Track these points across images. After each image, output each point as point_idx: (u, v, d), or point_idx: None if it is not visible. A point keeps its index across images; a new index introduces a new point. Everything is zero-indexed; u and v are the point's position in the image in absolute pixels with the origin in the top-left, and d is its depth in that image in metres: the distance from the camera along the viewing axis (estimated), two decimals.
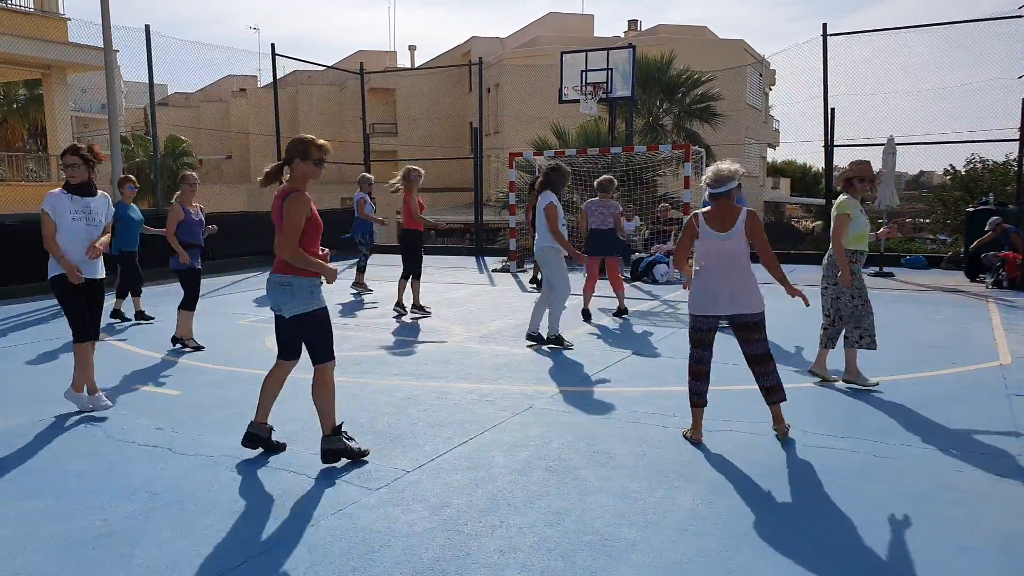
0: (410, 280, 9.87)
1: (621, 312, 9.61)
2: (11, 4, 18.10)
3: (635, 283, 13.19)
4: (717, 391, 6.05)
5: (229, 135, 41.68)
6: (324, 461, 4.41)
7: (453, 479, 4.26)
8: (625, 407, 5.65)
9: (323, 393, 4.46)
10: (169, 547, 3.47)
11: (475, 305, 10.89)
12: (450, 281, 13.65)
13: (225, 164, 41.05)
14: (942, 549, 3.42)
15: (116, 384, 6.42)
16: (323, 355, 4.43)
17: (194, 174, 7.94)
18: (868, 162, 6.31)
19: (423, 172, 9.70)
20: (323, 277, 4.36)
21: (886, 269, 14.58)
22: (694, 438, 4.83)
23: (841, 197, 6.08)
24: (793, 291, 4.81)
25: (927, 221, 34.83)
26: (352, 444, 4.50)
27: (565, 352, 7.56)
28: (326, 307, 4.45)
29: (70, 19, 18.71)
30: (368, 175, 12.66)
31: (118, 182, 9.64)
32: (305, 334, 4.42)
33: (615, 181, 9.91)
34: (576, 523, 3.69)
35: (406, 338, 8.45)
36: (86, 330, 5.52)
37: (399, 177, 9.65)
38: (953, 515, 3.77)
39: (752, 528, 3.63)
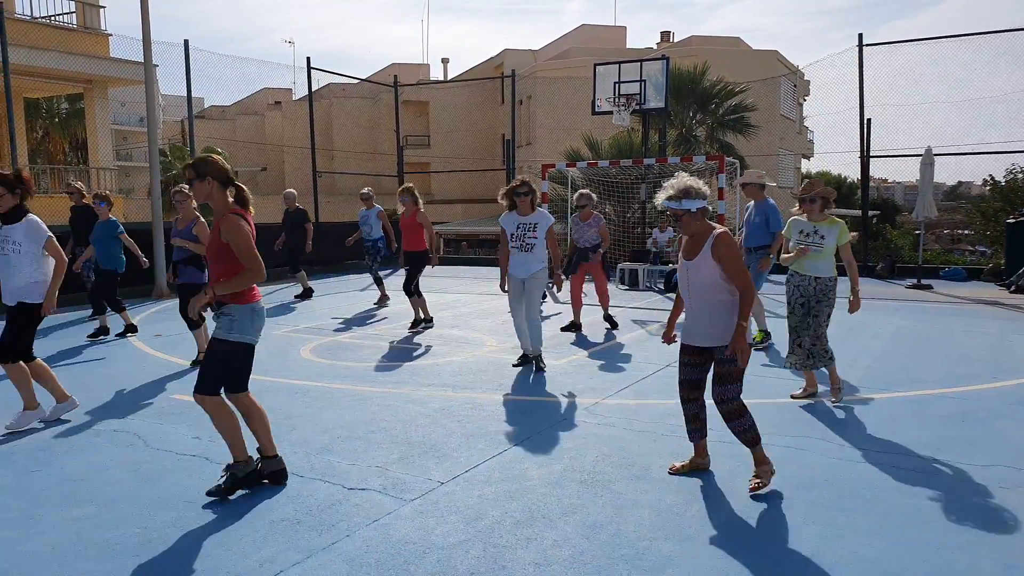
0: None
1: (574, 327, 9.45)
2: (56, 21, 18.56)
3: (669, 294, 13.12)
4: (751, 403, 5.98)
5: (264, 147, 42.28)
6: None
7: (487, 491, 4.25)
8: (660, 419, 5.61)
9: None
10: (206, 556, 3.50)
11: (507, 316, 10.87)
12: (482, 292, 13.67)
13: (260, 175, 41.58)
14: (987, 566, 3.34)
15: (154, 393, 6.51)
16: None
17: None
18: (809, 181, 6.16)
19: None
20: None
21: (924, 281, 14.33)
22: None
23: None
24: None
25: (966, 232, 34.15)
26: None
27: (599, 365, 7.53)
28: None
29: (112, 35, 19.12)
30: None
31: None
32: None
33: (591, 196, 9.38)
34: (612, 537, 3.66)
35: (439, 349, 8.46)
36: None
37: (413, 195, 9.70)
38: (998, 532, 3.68)
39: (791, 543, 3.57)
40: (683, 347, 4.45)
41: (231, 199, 4.22)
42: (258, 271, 4.12)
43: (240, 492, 4.22)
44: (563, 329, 9.47)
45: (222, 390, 4.20)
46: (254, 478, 4.27)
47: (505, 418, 5.67)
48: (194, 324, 7.55)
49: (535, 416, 5.72)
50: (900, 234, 20.32)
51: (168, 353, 8.21)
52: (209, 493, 4.16)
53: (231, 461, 4.25)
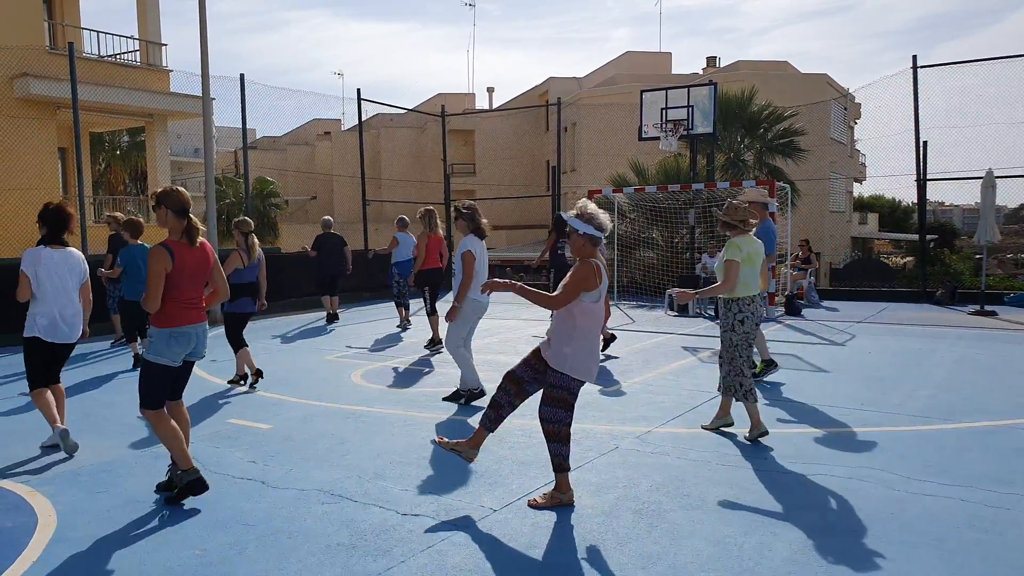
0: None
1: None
2: (121, 59, 19.32)
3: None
4: (810, 433, 5.85)
5: (314, 176, 43.14)
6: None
7: (540, 519, 4.22)
8: (714, 448, 5.51)
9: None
10: None
11: None
12: (529, 317, 13.65)
13: (310, 204, 42.42)
14: None
15: (211, 417, 6.63)
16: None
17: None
18: (737, 205, 5.89)
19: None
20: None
21: (988, 307, 13.89)
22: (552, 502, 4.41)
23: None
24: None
25: None
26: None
27: (648, 393, 7.45)
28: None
29: (172, 70, 19.83)
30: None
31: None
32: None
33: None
34: (668, 568, 3.59)
35: (488, 375, 8.44)
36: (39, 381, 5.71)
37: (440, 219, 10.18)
38: None
39: None
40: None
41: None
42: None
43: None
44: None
45: None
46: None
47: None
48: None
49: (586, 444, 5.67)
50: (959, 258, 19.78)
51: (224, 379, 8.34)
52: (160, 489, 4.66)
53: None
